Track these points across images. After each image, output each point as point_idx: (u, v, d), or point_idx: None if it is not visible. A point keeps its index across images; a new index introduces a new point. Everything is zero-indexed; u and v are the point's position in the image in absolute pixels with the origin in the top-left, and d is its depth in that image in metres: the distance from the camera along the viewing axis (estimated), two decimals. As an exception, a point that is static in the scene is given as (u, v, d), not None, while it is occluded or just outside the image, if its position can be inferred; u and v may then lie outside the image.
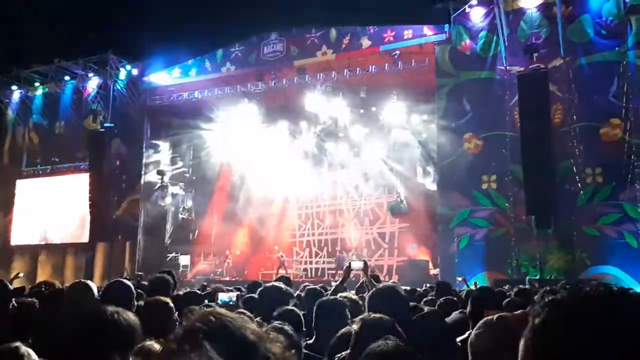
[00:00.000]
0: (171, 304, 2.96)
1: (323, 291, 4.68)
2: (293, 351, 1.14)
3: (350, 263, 4.95)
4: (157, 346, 1.81)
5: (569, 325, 0.79)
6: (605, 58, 14.74)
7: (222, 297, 4.60)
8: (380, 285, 3.84)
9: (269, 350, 1.02)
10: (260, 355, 1.00)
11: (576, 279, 12.61)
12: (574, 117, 14.84)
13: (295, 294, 4.65)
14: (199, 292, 6.00)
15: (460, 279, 12.74)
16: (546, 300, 0.84)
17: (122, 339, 1.73)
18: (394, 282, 8.22)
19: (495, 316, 2.05)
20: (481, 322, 2.05)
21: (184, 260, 21.37)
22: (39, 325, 3.03)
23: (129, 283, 3.25)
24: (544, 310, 0.83)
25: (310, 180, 21.54)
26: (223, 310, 1.07)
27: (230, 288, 6.61)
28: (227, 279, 19.74)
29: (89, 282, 3.05)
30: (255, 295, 4.15)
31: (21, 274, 12.08)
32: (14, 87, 24.00)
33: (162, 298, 3.00)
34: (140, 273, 16.01)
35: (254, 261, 21.78)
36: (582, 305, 0.81)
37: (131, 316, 1.88)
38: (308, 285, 5.45)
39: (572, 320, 0.79)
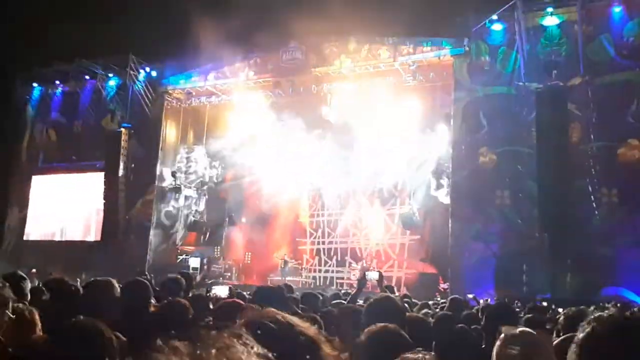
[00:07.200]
0: (188, 305, 2.98)
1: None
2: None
3: (365, 273, 4.98)
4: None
5: (611, 338, 0.81)
6: (625, 78, 14.65)
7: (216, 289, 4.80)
8: (377, 296, 3.83)
9: (325, 357, 1.04)
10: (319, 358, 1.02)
11: (588, 299, 12.44)
12: (592, 136, 14.74)
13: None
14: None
15: (471, 296, 12.61)
16: (593, 317, 0.86)
17: (101, 351, 1.76)
18: (406, 294, 8.19)
19: (517, 330, 2.04)
20: (505, 334, 2.04)
21: (194, 262, 21.42)
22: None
23: (146, 282, 3.28)
24: (591, 325, 0.85)
25: (322, 188, 21.53)
26: (283, 314, 1.09)
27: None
28: (236, 282, 19.74)
29: (111, 279, 3.07)
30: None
31: (34, 270, 12.21)
32: (34, 85, 24.35)
33: (181, 299, 3.02)
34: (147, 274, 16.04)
35: (262, 266, 21.75)
36: (625, 322, 0.83)
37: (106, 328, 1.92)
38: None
39: (615, 335, 0.81)
